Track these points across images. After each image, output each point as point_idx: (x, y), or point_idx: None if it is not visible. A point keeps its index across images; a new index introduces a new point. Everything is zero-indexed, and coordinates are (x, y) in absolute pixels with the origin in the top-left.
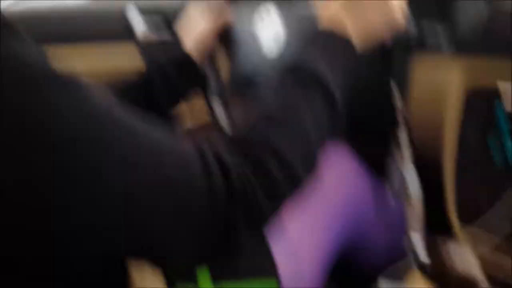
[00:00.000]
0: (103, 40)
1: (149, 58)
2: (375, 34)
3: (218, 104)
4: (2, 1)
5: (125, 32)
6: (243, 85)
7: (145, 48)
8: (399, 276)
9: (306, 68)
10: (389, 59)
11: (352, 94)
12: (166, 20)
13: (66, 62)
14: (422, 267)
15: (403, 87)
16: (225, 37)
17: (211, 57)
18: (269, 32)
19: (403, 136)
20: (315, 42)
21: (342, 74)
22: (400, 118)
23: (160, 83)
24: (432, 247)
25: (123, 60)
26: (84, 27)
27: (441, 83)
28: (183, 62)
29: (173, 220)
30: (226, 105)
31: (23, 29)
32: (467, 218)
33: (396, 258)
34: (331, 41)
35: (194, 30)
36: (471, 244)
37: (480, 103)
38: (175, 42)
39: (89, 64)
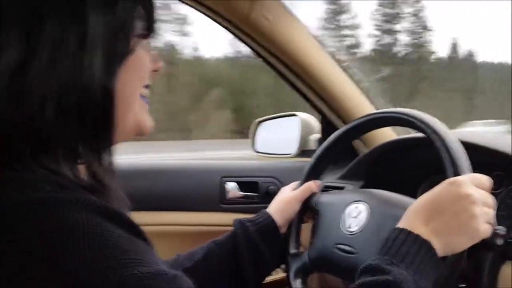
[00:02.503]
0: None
1: (239, 223)
2: (458, 242)
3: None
4: None
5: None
6: (321, 260)
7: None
8: None
9: (386, 272)
10: (476, 268)
11: None
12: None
13: None
14: None
15: None
16: (309, 209)
17: (295, 228)
18: (352, 214)
19: None
20: (397, 243)
21: (424, 282)
22: None
23: (247, 254)
24: None
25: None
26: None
27: None
28: (270, 231)
29: None
30: (305, 279)
31: None
32: None
33: None
34: (414, 245)
35: (281, 194)
36: None
37: None
38: (265, 213)
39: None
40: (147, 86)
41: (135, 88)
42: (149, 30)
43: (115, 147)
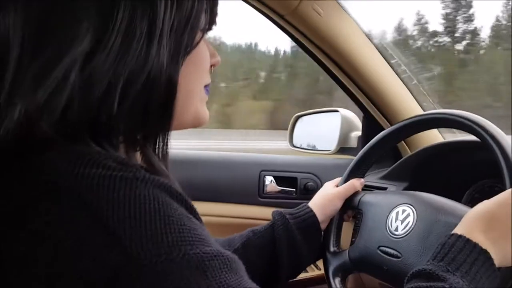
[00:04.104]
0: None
1: (279, 215)
2: None
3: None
4: None
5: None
6: (363, 260)
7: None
8: None
9: (441, 279)
10: None
11: None
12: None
13: None
14: None
15: None
16: (351, 207)
17: (336, 225)
18: (398, 217)
19: None
20: (454, 250)
21: None
22: None
23: (285, 246)
24: None
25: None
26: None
27: None
28: (310, 225)
29: None
30: (344, 278)
31: None
32: None
33: None
34: (472, 253)
35: (323, 190)
36: None
37: None
38: (307, 207)
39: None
40: (207, 84)
41: (197, 82)
42: (211, 24)
43: (171, 136)
